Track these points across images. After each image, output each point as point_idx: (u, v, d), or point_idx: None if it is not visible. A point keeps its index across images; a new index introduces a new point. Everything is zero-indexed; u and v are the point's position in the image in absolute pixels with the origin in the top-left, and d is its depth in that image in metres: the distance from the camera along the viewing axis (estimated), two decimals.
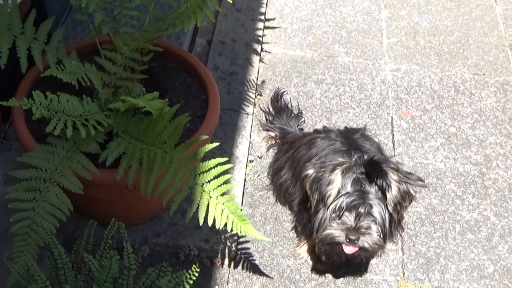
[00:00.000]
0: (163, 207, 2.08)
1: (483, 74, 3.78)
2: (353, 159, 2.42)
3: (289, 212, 2.94)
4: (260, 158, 3.19)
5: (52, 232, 1.97)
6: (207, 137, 2.24)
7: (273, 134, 3.27)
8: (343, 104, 3.52)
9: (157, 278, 1.97)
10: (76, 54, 2.45)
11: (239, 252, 2.78)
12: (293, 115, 3.28)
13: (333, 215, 2.33)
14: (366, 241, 2.33)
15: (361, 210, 2.30)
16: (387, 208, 2.32)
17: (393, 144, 3.32)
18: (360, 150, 2.66)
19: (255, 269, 2.75)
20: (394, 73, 3.75)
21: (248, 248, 2.81)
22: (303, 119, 3.34)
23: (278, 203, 2.98)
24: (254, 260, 2.78)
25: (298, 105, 3.43)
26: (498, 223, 3.00)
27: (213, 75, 3.37)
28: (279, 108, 3.32)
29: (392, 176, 2.30)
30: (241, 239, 2.81)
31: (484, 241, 2.93)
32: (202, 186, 2.06)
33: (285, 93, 3.44)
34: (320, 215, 2.38)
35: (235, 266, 2.75)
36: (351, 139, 2.76)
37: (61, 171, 2.10)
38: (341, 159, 2.54)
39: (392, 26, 4.10)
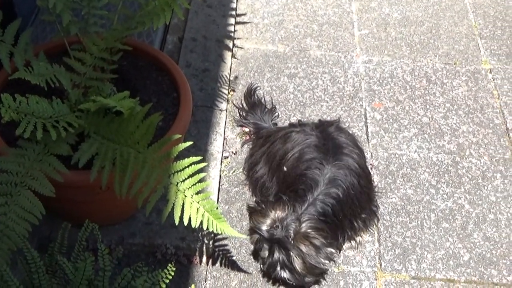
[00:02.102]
0: (139, 208, 2.06)
1: (454, 64, 3.81)
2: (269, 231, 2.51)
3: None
4: (234, 154, 3.19)
5: (25, 236, 1.95)
6: (180, 136, 2.23)
7: (247, 129, 3.26)
8: (316, 97, 3.52)
9: (132, 278, 1.96)
10: (44, 55, 2.43)
11: (216, 249, 2.78)
12: (266, 110, 3.28)
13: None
14: None
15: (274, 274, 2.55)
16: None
17: (367, 136, 3.33)
18: (335, 143, 2.70)
19: (233, 266, 2.75)
20: (366, 65, 3.76)
21: (226, 245, 2.81)
22: (276, 114, 3.34)
23: (254, 198, 2.98)
24: (232, 256, 2.78)
25: (272, 99, 3.43)
26: (472, 211, 3.03)
27: (186, 72, 3.37)
28: (253, 103, 3.31)
29: (296, 256, 2.45)
30: (218, 236, 2.81)
31: (459, 230, 2.95)
32: (176, 185, 2.05)
33: (258, 88, 3.43)
34: None
35: (213, 263, 2.75)
36: (326, 133, 2.77)
37: (32, 174, 2.08)
38: (315, 154, 2.66)
39: (363, 18, 4.11)
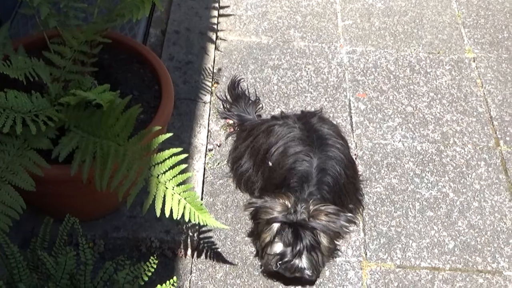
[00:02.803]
0: (119, 200, 2.05)
1: (438, 53, 3.82)
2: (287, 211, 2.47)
3: (250, 198, 2.94)
4: (219, 146, 3.18)
5: (4, 231, 1.94)
6: (160, 128, 2.22)
7: (231, 121, 3.25)
8: (300, 88, 3.52)
9: (115, 271, 1.96)
10: (24, 49, 2.41)
11: (201, 242, 2.77)
12: (250, 101, 3.28)
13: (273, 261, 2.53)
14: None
15: (293, 264, 2.48)
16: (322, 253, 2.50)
17: (351, 126, 3.33)
18: (318, 134, 2.70)
19: (218, 258, 2.75)
20: (350, 55, 3.76)
21: (210, 237, 2.80)
22: (260, 106, 3.33)
23: (239, 191, 2.98)
24: (217, 248, 2.77)
25: (255, 91, 3.42)
26: (457, 199, 3.04)
27: (169, 65, 3.37)
28: (236, 95, 3.30)
29: (322, 231, 2.44)
30: (203, 229, 2.80)
31: (444, 218, 2.96)
32: (157, 177, 2.04)
33: (242, 80, 3.43)
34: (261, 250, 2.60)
35: (198, 256, 2.74)
36: (309, 124, 2.77)
37: (13, 169, 2.06)
38: (300, 148, 2.65)
39: (346, 8, 4.10)
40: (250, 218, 2.64)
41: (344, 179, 2.67)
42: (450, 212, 2.99)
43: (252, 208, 2.57)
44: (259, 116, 3.25)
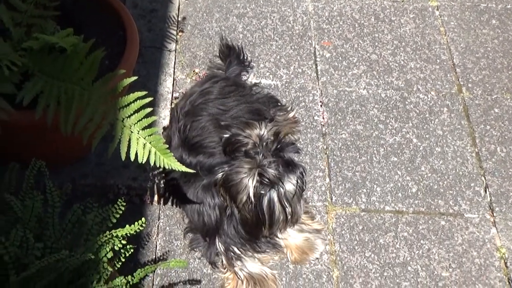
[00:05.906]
0: (84, 144, 2.05)
1: (402, 1, 3.82)
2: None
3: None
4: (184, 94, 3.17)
5: None
6: (124, 71, 2.21)
7: (197, 70, 3.24)
8: (265, 37, 3.51)
9: (83, 214, 1.96)
10: None
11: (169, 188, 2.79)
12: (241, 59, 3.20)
13: None
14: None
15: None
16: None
17: (317, 74, 3.35)
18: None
19: None
20: (315, 3, 3.75)
21: (178, 184, 2.81)
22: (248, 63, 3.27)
23: None
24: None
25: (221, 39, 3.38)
26: (420, 145, 3.09)
27: (133, 13, 3.31)
28: (228, 52, 3.22)
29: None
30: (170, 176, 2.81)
31: (407, 163, 3.02)
32: (122, 121, 2.04)
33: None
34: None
35: (165, 202, 2.76)
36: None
37: None
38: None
39: None
40: (220, 186, 2.37)
41: None
42: (413, 157, 3.04)
43: (222, 173, 2.34)
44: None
